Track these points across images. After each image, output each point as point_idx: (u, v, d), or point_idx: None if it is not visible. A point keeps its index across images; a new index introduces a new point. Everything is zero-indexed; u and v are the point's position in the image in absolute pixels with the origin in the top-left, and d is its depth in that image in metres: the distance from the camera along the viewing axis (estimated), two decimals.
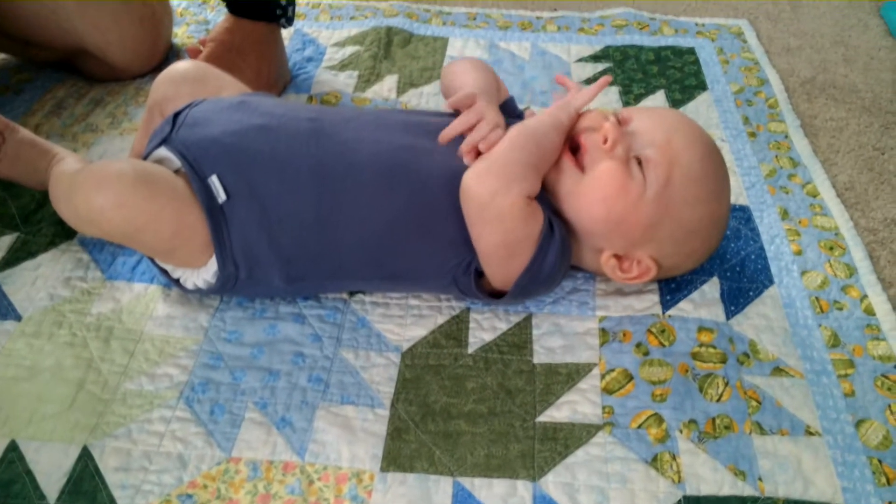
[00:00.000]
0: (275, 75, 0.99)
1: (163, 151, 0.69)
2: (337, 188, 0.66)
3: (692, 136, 0.68)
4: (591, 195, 0.66)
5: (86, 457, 0.61)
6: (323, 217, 0.66)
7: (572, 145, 0.68)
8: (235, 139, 0.67)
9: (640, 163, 0.66)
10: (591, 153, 0.67)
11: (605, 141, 0.66)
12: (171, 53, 1.08)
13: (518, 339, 0.70)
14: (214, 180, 0.66)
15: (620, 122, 0.69)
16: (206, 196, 0.66)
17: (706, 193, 0.67)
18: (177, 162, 0.68)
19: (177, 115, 0.71)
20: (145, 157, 0.70)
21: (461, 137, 0.69)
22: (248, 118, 0.69)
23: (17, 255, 0.77)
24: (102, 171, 0.64)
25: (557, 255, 0.66)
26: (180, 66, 0.80)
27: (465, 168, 0.65)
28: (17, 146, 0.77)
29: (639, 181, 0.65)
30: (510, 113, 0.77)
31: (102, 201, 0.62)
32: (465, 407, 0.65)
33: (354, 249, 0.68)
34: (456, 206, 0.65)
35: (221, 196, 0.66)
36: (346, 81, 1.04)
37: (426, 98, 1.01)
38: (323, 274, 0.70)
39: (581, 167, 0.67)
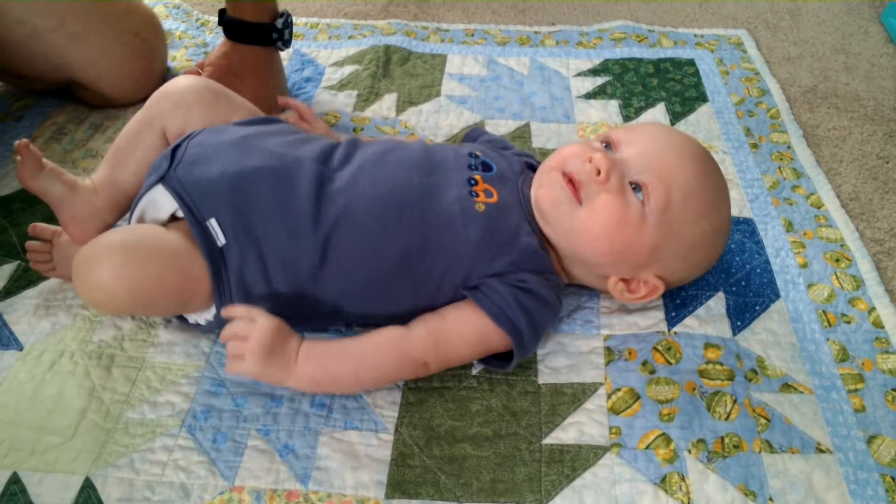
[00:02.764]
0: (273, 98, 0.99)
1: (160, 191, 0.67)
2: (331, 234, 0.65)
3: (684, 152, 0.67)
4: (592, 231, 0.65)
5: (88, 488, 0.60)
6: (317, 263, 0.65)
7: (567, 178, 0.67)
8: (235, 181, 0.66)
9: (636, 187, 0.65)
10: (587, 187, 0.66)
11: (598, 173, 0.65)
12: (169, 77, 1.08)
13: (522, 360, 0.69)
14: (213, 224, 0.65)
15: (610, 146, 0.69)
16: (205, 239, 0.65)
17: (705, 208, 0.67)
18: (174, 203, 0.67)
19: (175, 148, 0.70)
20: (142, 195, 0.69)
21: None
22: (249, 158, 0.68)
23: (18, 284, 0.77)
24: (91, 251, 0.62)
25: (536, 336, 0.67)
26: (188, 84, 0.75)
27: (463, 209, 0.66)
28: (65, 248, 0.75)
29: (637, 209, 0.65)
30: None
31: (99, 279, 0.61)
32: (469, 430, 0.64)
33: (349, 295, 0.67)
34: (449, 249, 0.66)
35: (221, 240, 0.65)
36: (345, 101, 1.04)
37: (425, 116, 1.01)
38: (318, 317, 0.69)
39: (579, 200, 0.66)
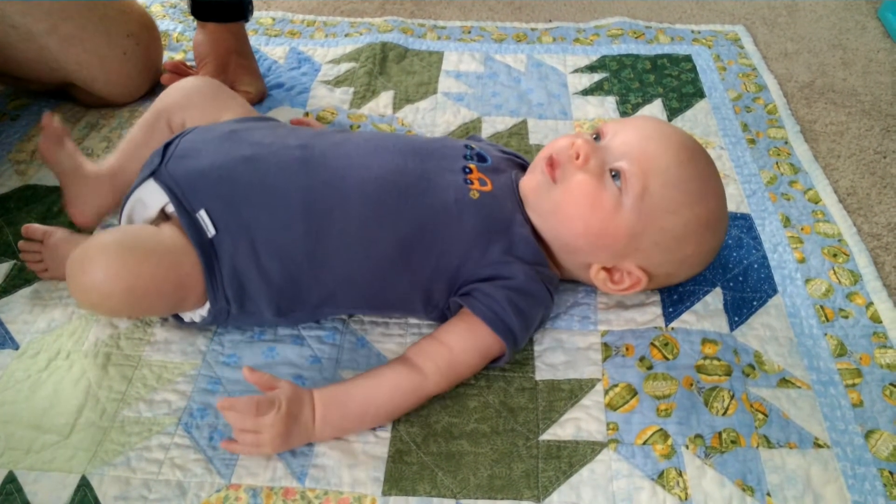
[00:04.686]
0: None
1: (150, 186, 0.68)
2: (325, 220, 0.65)
3: (668, 141, 0.67)
4: (567, 210, 0.66)
5: (85, 486, 0.60)
6: (311, 249, 0.65)
7: (549, 162, 0.68)
8: (224, 172, 0.66)
9: (616, 175, 0.65)
10: (564, 168, 0.67)
11: (578, 157, 0.66)
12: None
13: (519, 356, 0.69)
14: (203, 215, 0.65)
15: (598, 136, 0.69)
16: (195, 231, 0.65)
17: (688, 197, 0.66)
18: (163, 199, 0.67)
19: (167, 145, 0.70)
20: (134, 189, 0.69)
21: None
22: (237, 149, 0.68)
23: (14, 283, 0.77)
24: (86, 252, 0.62)
25: (527, 333, 0.67)
26: (193, 81, 0.81)
27: (458, 196, 0.66)
28: (55, 249, 0.75)
29: (613, 193, 0.65)
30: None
31: (93, 281, 0.61)
32: (467, 426, 0.64)
33: (343, 282, 0.67)
34: (444, 236, 0.66)
35: (210, 231, 0.65)
36: (341, 98, 1.03)
37: (422, 113, 1.00)
38: (312, 305, 0.69)
39: (554, 179, 0.67)
